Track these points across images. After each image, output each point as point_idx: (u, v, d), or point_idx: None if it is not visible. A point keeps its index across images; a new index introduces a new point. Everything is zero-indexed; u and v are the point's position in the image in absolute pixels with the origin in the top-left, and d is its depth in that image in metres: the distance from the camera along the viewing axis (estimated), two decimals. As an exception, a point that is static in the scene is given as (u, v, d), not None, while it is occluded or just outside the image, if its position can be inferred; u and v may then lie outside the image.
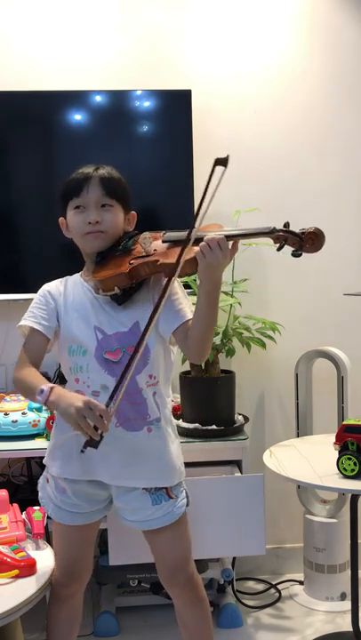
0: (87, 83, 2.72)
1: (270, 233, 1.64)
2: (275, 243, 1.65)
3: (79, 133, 2.69)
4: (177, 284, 1.77)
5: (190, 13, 2.78)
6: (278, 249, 1.64)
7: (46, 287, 1.84)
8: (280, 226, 1.64)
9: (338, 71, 2.86)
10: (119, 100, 2.68)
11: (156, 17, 2.77)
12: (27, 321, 1.79)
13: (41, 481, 1.86)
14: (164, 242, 1.72)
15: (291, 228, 1.63)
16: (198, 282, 1.68)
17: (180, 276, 1.70)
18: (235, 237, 1.64)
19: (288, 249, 1.64)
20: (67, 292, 1.81)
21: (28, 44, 2.73)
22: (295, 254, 1.63)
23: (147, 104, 2.70)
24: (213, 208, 2.92)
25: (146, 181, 2.66)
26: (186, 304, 1.76)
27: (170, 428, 1.82)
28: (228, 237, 1.62)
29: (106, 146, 2.67)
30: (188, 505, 1.82)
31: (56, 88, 2.69)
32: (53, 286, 1.84)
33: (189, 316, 1.73)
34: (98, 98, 2.68)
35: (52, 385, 1.66)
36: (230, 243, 1.62)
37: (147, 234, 1.76)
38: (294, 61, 2.84)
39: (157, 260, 1.67)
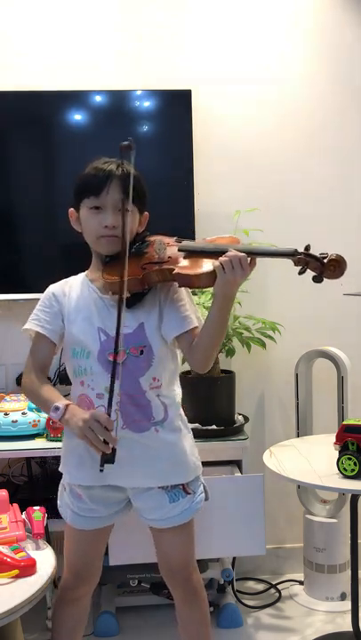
0: (87, 83, 2.72)
1: (292, 255, 1.63)
2: (295, 265, 1.65)
3: (79, 133, 2.69)
4: (184, 290, 1.76)
5: (190, 13, 2.78)
6: (300, 272, 1.65)
7: (51, 289, 1.82)
8: (302, 248, 1.64)
9: (338, 71, 2.86)
10: (119, 100, 2.68)
11: (156, 17, 2.77)
12: (30, 324, 1.78)
13: (59, 489, 1.85)
14: (180, 250, 1.70)
15: (311, 252, 1.64)
16: (213, 295, 1.67)
17: (196, 288, 1.72)
18: (255, 255, 1.64)
19: (309, 273, 1.64)
20: (72, 293, 1.79)
21: (28, 43, 2.73)
22: (317, 280, 1.64)
23: (147, 104, 2.70)
24: (214, 208, 2.93)
25: (146, 181, 2.65)
26: (192, 311, 1.74)
27: (180, 423, 1.80)
28: (249, 254, 1.61)
29: (106, 146, 2.65)
30: (207, 499, 1.83)
31: (56, 88, 2.69)
32: (58, 287, 1.82)
33: (195, 323, 1.71)
34: (98, 98, 2.68)
35: (67, 402, 1.67)
36: (249, 259, 1.61)
37: (161, 239, 1.74)
38: (295, 61, 2.84)
39: (173, 269, 1.66)
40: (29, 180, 2.67)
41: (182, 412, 1.83)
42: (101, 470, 1.63)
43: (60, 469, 1.84)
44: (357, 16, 2.84)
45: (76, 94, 2.67)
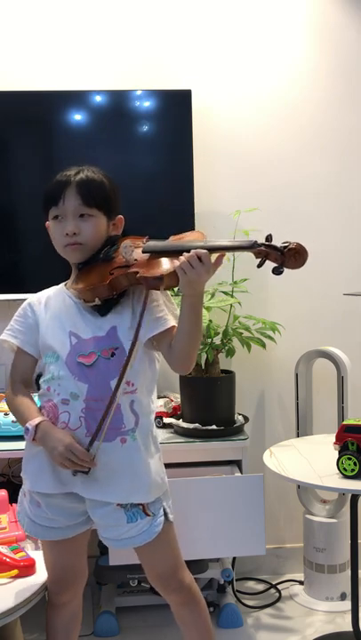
0: (87, 83, 2.73)
1: (251, 247, 1.58)
2: (256, 257, 1.60)
3: (79, 133, 2.69)
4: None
5: (190, 13, 2.78)
6: (259, 265, 1.60)
7: (28, 299, 1.82)
8: (262, 239, 1.60)
9: (338, 71, 2.86)
10: (119, 99, 2.68)
11: (156, 17, 2.77)
12: (6, 335, 1.78)
13: (20, 495, 1.82)
14: (143, 252, 1.67)
15: (273, 242, 1.59)
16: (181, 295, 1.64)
17: (163, 289, 1.66)
18: (215, 251, 1.59)
19: (270, 264, 1.60)
20: (48, 302, 1.78)
21: (28, 43, 2.73)
22: (276, 272, 1.58)
23: (147, 104, 2.70)
24: (214, 208, 2.94)
25: (146, 181, 2.66)
26: (169, 310, 1.70)
27: (150, 439, 1.72)
28: (210, 251, 1.57)
29: (106, 146, 2.67)
30: (169, 522, 1.74)
31: (56, 88, 2.69)
32: (35, 298, 1.81)
33: (172, 323, 1.68)
34: (98, 98, 2.68)
35: (37, 422, 1.65)
36: (214, 257, 1.58)
37: (128, 242, 1.70)
38: (295, 61, 2.84)
39: (137, 272, 1.63)
40: (29, 181, 2.67)
41: (155, 430, 1.76)
42: (74, 474, 1.64)
43: (21, 474, 1.79)
44: (359, 14, 2.84)
45: (76, 94, 2.67)
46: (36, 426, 1.65)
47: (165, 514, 1.74)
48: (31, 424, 1.66)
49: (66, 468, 1.63)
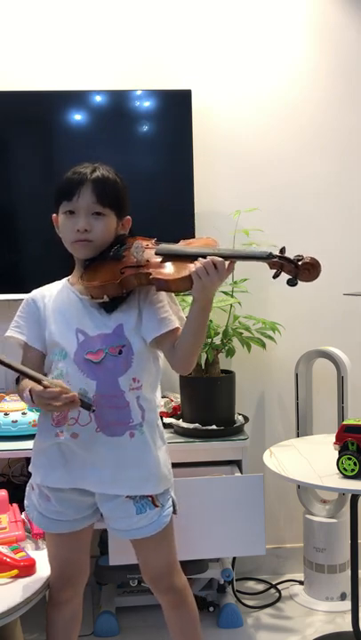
0: (87, 83, 2.73)
1: (267, 258, 1.63)
2: (271, 268, 1.65)
3: (79, 133, 2.69)
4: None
5: (190, 13, 2.78)
6: (274, 276, 1.65)
7: (31, 294, 1.83)
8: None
9: (339, 71, 2.86)
10: (119, 99, 2.68)
11: (156, 17, 2.77)
12: (12, 331, 1.79)
13: (27, 489, 1.83)
14: (157, 254, 1.69)
15: (286, 254, 1.63)
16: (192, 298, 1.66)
17: (174, 292, 1.70)
18: (230, 259, 1.63)
19: (284, 276, 1.64)
20: (52, 298, 1.79)
21: (29, 43, 2.73)
22: (291, 283, 1.63)
23: (147, 104, 2.70)
24: (214, 208, 2.94)
25: (146, 181, 2.66)
26: (173, 311, 1.72)
27: (156, 433, 1.76)
28: (225, 258, 1.61)
29: (106, 146, 2.67)
30: (175, 512, 1.78)
31: (56, 88, 2.69)
32: (38, 293, 1.82)
33: (176, 324, 1.70)
34: (98, 98, 2.68)
35: (29, 388, 1.64)
36: (227, 263, 1.61)
37: (139, 242, 1.73)
38: (295, 61, 2.84)
39: (150, 274, 1.65)
40: (29, 180, 2.67)
41: (160, 424, 1.80)
42: (94, 410, 1.64)
43: (29, 469, 1.81)
44: (359, 15, 2.84)
45: (76, 94, 2.67)
46: (29, 391, 1.63)
47: (173, 505, 1.78)
48: (26, 391, 1.64)
49: (65, 410, 1.63)
